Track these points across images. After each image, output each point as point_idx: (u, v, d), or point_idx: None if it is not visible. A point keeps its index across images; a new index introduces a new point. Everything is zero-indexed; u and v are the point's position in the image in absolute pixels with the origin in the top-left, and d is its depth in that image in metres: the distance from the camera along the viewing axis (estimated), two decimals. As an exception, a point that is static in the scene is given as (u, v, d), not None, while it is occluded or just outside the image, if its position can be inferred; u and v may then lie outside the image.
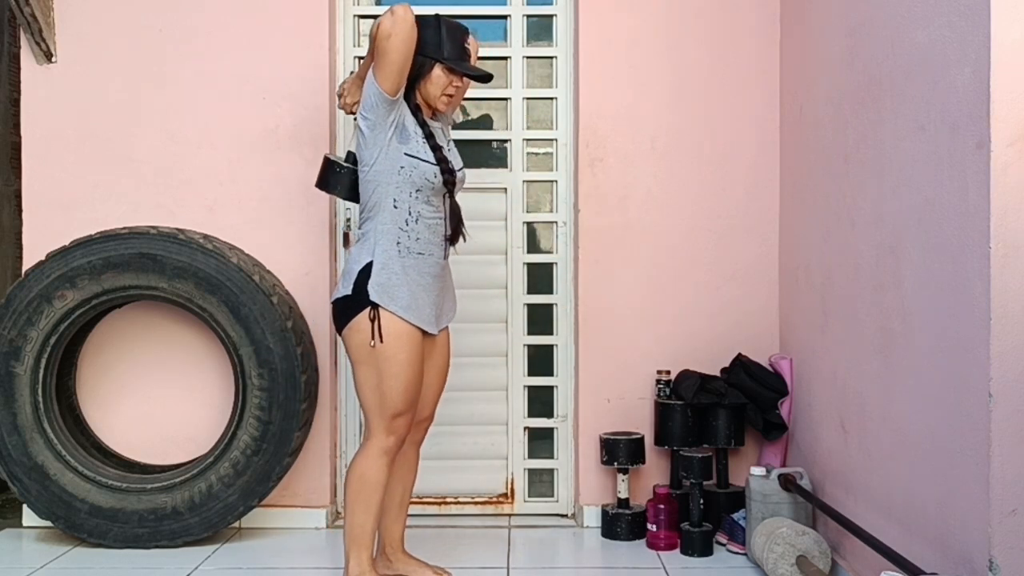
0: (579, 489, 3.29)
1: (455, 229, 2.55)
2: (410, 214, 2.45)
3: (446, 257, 2.56)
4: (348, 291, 2.45)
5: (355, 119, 2.55)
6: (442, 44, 2.44)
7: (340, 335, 2.50)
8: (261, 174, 3.24)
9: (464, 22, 2.54)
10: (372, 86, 2.39)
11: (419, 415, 2.60)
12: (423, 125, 2.49)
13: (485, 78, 2.54)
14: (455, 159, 2.57)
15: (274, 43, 3.24)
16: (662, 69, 3.27)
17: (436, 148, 2.47)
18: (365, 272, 2.43)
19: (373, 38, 2.38)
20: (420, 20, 2.43)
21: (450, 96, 2.52)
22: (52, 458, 2.97)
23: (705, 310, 3.27)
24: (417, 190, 2.44)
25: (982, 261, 1.88)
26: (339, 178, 2.58)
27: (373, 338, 2.40)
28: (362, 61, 2.57)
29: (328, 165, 2.60)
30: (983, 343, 1.87)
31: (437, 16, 2.48)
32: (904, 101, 2.25)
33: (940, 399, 2.06)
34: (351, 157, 2.57)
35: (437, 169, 2.45)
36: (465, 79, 2.56)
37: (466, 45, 2.52)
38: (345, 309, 2.46)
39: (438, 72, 2.46)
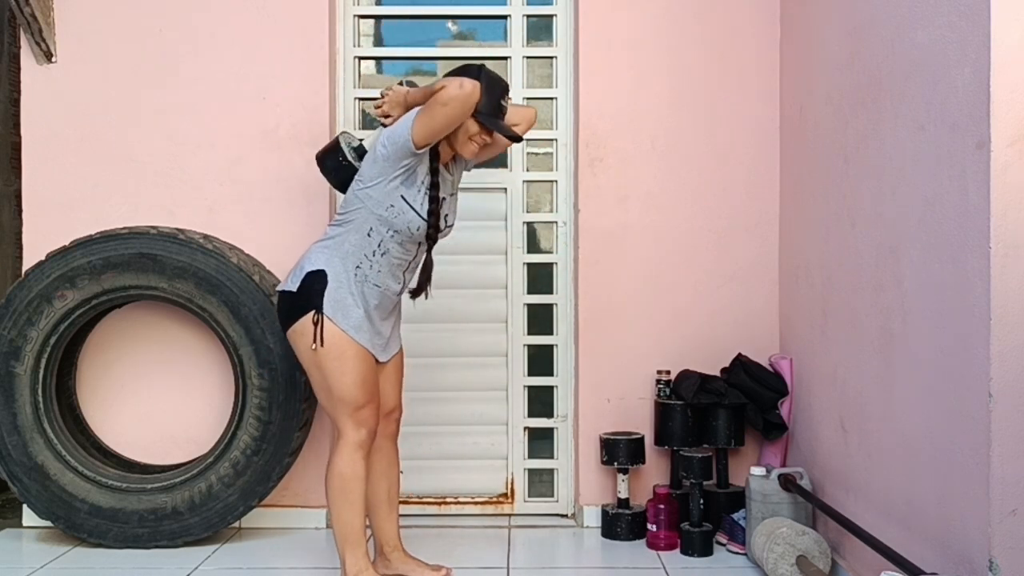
0: (579, 489, 3.29)
1: (421, 285, 2.56)
2: (379, 247, 2.45)
3: (399, 295, 2.57)
4: (294, 288, 2.46)
5: (378, 123, 2.50)
6: (480, 96, 2.37)
7: (284, 333, 2.51)
8: (261, 174, 3.24)
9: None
10: (407, 129, 2.35)
11: (384, 407, 2.62)
12: (434, 172, 2.46)
13: (515, 139, 2.51)
14: (450, 213, 2.55)
15: (274, 43, 3.24)
16: (662, 69, 3.27)
17: (434, 200, 2.45)
18: (315, 276, 2.43)
19: (433, 92, 2.34)
20: (463, 68, 2.43)
21: (477, 144, 2.48)
22: (52, 458, 2.97)
23: (705, 310, 3.27)
24: (396, 231, 2.44)
25: (982, 261, 1.88)
26: (339, 168, 2.56)
27: (315, 341, 2.41)
28: (415, 87, 2.51)
29: (335, 148, 2.57)
30: (983, 343, 1.87)
31: (482, 67, 2.44)
32: (904, 101, 2.25)
33: (940, 399, 2.06)
34: (361, 152, 2.55)
35: (423, 224, 2.44)
36: (495, 135, 2.51)
37: (503, 102, 2.47)
38: (290, 308, 2.46)
39: (470, 122, 2.42)
